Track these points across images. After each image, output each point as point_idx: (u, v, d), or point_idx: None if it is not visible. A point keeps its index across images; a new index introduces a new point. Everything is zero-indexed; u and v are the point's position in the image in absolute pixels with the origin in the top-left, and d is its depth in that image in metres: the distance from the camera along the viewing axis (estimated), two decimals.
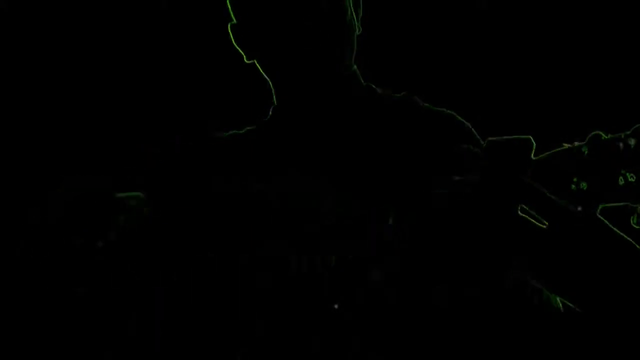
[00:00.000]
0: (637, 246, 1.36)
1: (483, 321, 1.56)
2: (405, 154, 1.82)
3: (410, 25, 3.10)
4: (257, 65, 1.93)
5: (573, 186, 1.27)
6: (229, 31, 1.94)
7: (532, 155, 1.32)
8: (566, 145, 1.29)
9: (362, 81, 1.95)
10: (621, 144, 1.23)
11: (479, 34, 3.09)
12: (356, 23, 1.90)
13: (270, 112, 2.00)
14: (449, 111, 1.90)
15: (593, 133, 1.27)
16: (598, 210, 1.28)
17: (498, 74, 3.06)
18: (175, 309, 1.83)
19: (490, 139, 1.35)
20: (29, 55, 3.36)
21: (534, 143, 1.31)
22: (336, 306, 1.64)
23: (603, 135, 1.26)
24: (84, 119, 3.37)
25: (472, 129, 1.87)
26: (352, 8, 1.87)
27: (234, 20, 1.93)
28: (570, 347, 1.63)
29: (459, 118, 1.89)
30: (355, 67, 1.92)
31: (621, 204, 1.25)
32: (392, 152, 1.84)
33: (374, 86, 1.97)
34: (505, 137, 1.33)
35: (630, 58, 2.88)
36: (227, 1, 1.93)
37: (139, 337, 1.84)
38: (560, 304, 1.60)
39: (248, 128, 2.05)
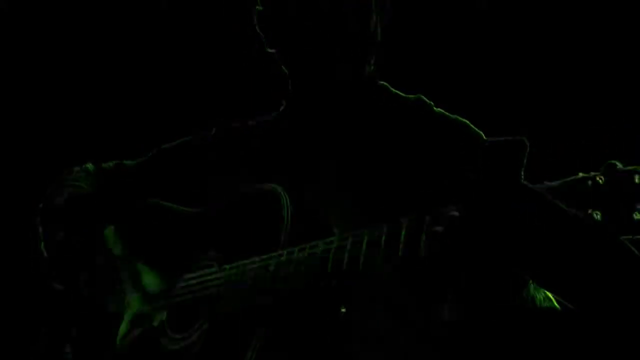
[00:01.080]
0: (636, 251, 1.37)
1: (484, 320, 1.56)
2: (412, 157, 1.82)
3: (422, 27, 3.10)
4: (276, 55, 1.92)
5: None
6: (255, 16, 1.93)
7: (526, 155, 1.33)
8: (582, 174, 1.29)
9: (378, 83, 1.95)
10: (637, 177, 1.22)
11: (485, 36, 3.09)
12: (379, 29, 1.89)
13: (284, 103, 1.99)
14: (463, 119, 1.90)
15: (609, 163, 1.27)
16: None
17: (503, 77, 3.05)
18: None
19: (487, 139, 1.36)
20: (29, 55, 3.35)
21: (528, 144, 1.32)
22: (344, 310, 1.65)
23: (619, 165, 1.25)
24: (84, 119, 3.36)
25: (481, 133, 1.87)
26: (378, 14, 1.86)
27: (260, 7, 1.93)
28: (569, 347, 1.64)
29: (472, 126, 1.88)
30: (373, 67, 1.92)
31: (636, 237, 1.25)
32: (399, 155, 1.83)
33: (389, 86, 1.96)
34: (502, 138, 1.35)
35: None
36: None
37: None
38: (557, 304, 1.61)
39: (260, 118, 2.05)
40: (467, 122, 1.89)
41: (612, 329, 1.43)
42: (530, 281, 1.54)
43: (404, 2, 2.80)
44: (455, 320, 1.56)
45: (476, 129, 1.87)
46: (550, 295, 1.61)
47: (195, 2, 3.29)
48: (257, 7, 1.93)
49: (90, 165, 2.08)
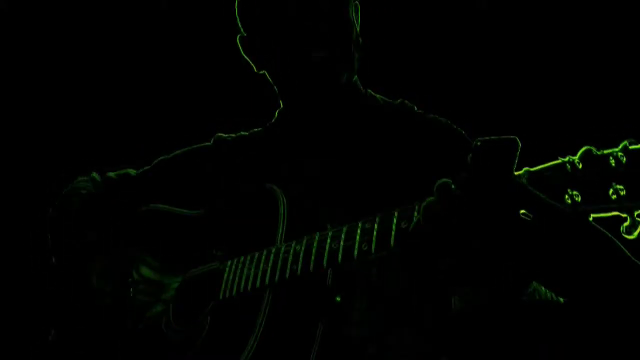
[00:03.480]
0: (622, 246, 1.46)
1: (481, 319, 1.64)
2: (401, 157, 1.89)
3: (404, 31, 3.15)
4: (266, 74, 2.00)
5: (567, 197, 1.34)
6: (238, 43, 2.00)
7: (518, 154, 1.40)
8: (561, 159, 1.37)
9: (362, 88, 2.02)
10: (612, 160, 1.30)
11: (475, 36, 3.13)
12: (358, 34, 1.95)
13: (276, 115, 2.07)
14: (441, 118, 1.98)
15: (585, 148, 1.35)
16: (590, 219, 1.36)
17: (495, 78, 3.11)
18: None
19: (479, 138, 1.42)
20: (29, 55, 3.36)
21: (520, 143, 1.39)
22: (339, 299, 1.73)
23: (595, 150, 1.33)
24: (84, 119, 3.39)
25: (464, 133, 1.95)
26: (355, 21, 1.94)
27: (243, 33, 1.99)
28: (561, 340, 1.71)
29: (452, 124, 1.97)
30: (356, 76, 1.99)
31: (611, 214, 1.33)
32: (388, 155, 1.91)
33: (372, 92, 2.04)
34: (493, 137, 1.41)
35: (623, 72, 2.94)
36: (236, 15, 1.99)
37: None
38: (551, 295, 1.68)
39: (254, 130, 2.13)
40: (447, 120, 1.97)
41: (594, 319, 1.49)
42: None
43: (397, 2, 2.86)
44: (462, 310, 1.63)
45: (457, 127, 1.96)
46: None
47: (195, 4, 3.32)
48: (240, 34, 1.99)
49: (95, 175, 2.15)
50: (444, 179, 1.40)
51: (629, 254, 1.45)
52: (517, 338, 1.64)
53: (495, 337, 1.64)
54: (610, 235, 1.42)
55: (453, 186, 1.39)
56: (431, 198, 1.41)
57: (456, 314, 1.63)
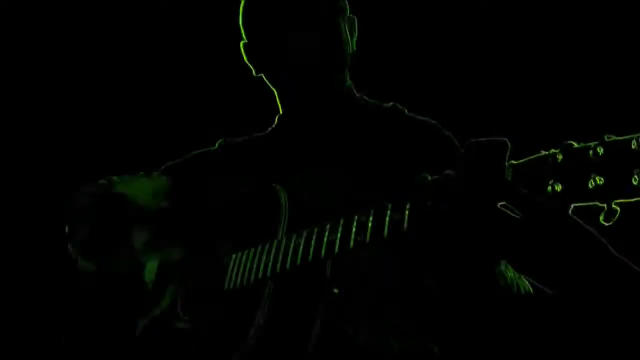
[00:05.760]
0: (603, 240, 1.54)
1: (467, 309, 1.72)
2: (392, 157, 1.98)
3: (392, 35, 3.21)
4: (264, 79, 2.11)
5: (549, 188, 1.42)
6: (241, 50, 2.12)
7: (508, 154, 1.47)
8: (543, 152, 1.45)
9: (356, 93, 2.12)
10: (591, 152, 1.38)
11: (454, 40, 3.20)
12: (351, 43, 2.06)
13: (276, 120, 2.16)
14: (432, 121, 2.07)
15: (566, 142, 1.43)
16: (570, 209, 1.44)
17: (480, 80, 3.18)
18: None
19: (470, 140, 1.50)
20: (29, 55, 3.39)
21: (510, 144, 1.47)
22: (336, 290, 1.81)
23: (575, 144, 1.41)
24: (84, 120, 3.43)
25: (451, 135, 2.04)
26: (347, 31, 2.05)
27: (245, 39, 2.11)
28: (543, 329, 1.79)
29: (440, 126, 2.06)
30: (349, 81, 2.10)
31: (591, 203, 1.41)
32: (380, 156, 2.00)
33: (365, 97, 2.13)
34: (483, 138, 1.49)
35: (604, 73, 3.01)
36: (240, 22, 2.11)
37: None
38: (531, 289, 1.77)
39: (256, 134, 2.22)
40: (437, 123, 2.07)
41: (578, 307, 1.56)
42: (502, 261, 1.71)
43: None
44: (436, 290, 1.71)
45: (445, 130, 2.05)
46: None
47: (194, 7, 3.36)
48: (243, 41, 2.11)
49: (103, 181, 2.20)
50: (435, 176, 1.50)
51: (610, 248, 1.54)
52: (500, 328, 1.73)
53: (478, 326, 1.73)
54: (592, 230, 1.50)
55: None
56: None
57: (437, 299, 1.72)
